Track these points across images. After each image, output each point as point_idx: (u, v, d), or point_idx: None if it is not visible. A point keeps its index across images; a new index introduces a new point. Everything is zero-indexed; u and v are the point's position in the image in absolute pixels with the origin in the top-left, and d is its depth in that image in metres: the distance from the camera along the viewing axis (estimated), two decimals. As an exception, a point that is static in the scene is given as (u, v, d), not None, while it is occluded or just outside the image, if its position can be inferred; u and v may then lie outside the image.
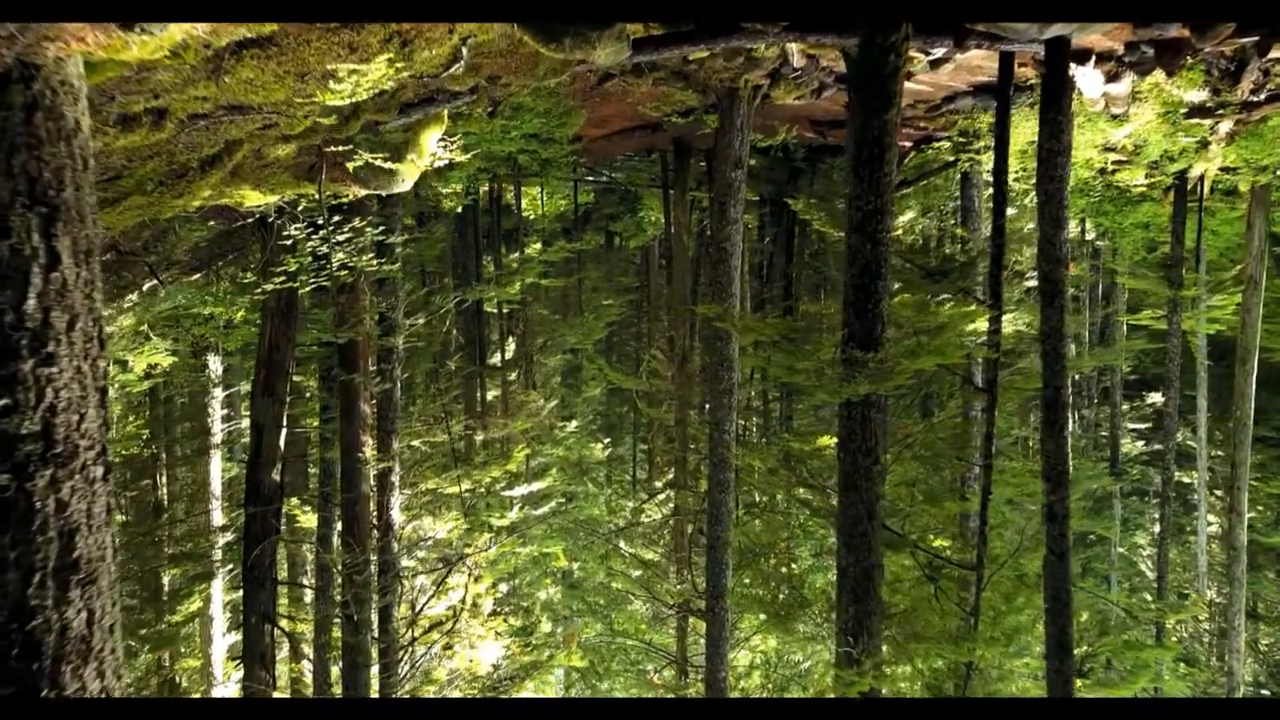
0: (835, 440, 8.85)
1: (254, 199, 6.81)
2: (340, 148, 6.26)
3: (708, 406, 11.40)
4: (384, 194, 7.36)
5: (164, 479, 17.43)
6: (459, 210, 19.99)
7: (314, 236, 6.99)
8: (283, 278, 7.16)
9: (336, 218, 7.20)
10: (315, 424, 12.97)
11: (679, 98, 11.95)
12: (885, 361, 5.12)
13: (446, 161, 7.51)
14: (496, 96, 11.59)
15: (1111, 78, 9.01)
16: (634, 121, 14.41)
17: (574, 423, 20.25)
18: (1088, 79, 9.01)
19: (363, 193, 7.01)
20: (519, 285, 13.52)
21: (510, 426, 17.17)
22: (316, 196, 6.30)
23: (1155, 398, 22.88)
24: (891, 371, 5.21)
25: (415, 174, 7.20)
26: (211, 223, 8.27)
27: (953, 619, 7.23)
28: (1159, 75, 9.27)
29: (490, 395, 19.91)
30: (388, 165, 6.87)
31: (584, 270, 19.59)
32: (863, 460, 5.68)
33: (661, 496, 22.20)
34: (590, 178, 20.00)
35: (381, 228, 8.19)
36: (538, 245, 19.20)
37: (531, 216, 22.06)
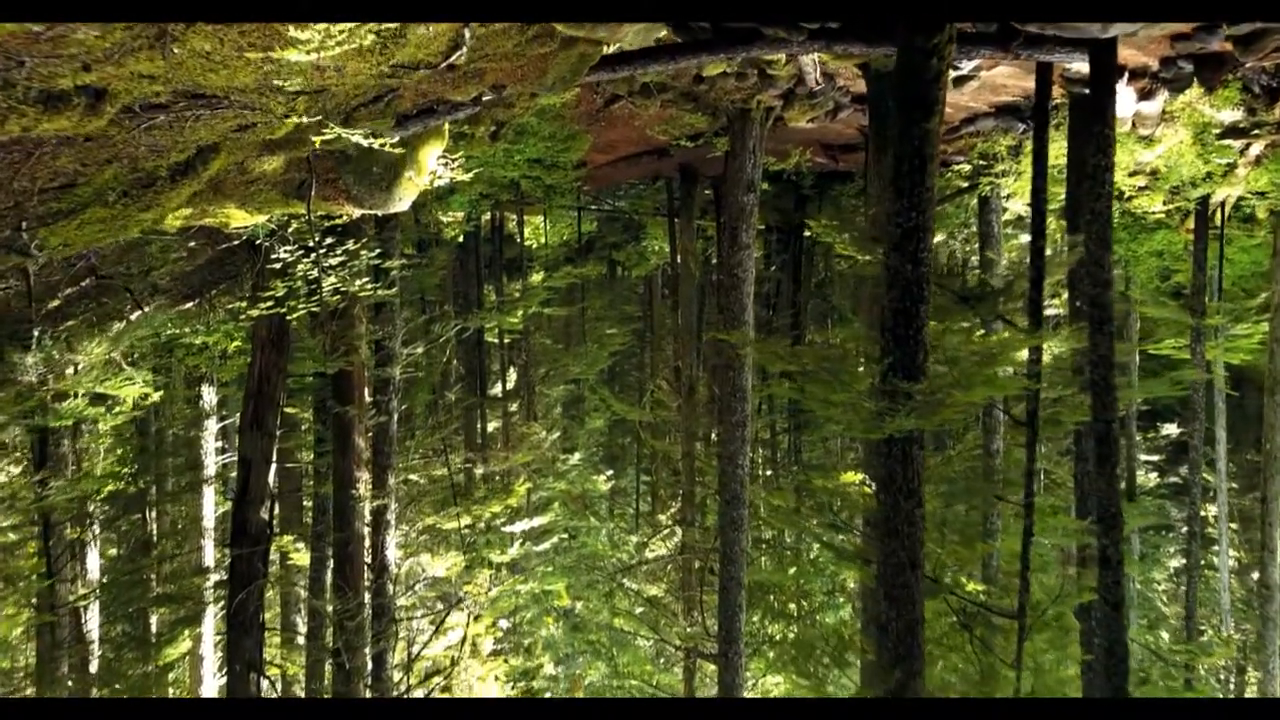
0: (860, 477, 8.31)
1: (240, 219, 6.29)
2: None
3: (717, 439, 10.82)
4: (380, 214, 6.84)
5: (154, 514, 16.80)
6: (460, 240, 19.56)
7: (305, 260, 6.48)
8: (270, 303, 6.64)
9: (330, 240, 6.69)
10: (310, 458, 12.38)
11: (688, 120, 11.51)
12: (936, 393, 4.57)
13: (447, 181, 7.02)
14: (500, 117, 11.16)
15: (1145, 95, 8.56)
16: (640, 146, 13.98)
17: (577, 455, 19.64)
18: (1119, 97, 8.55)
19: (357, 213, 6.50)
20: (521, 313, 13.01)
21: (511, 459, 16.58)
22: (306, 216, 5.79)
23: (1170, 429, 22.31)
24: (941, 404, 4.66)
25: (414, 193, 6.70)
26: (193, 244, 7.77)
27: (996, 672, 6.62)
28: (1192, 93, 8.84)
29: (491, 426, 19.33)
30: (383, 181, 6.38)
31: (587, 299, 19.09)
32: (905, 503, 5.11)
33: (666, 530, 21.54)
34: (594, 206, 19.58)
35: (378, 251, 7.68)
36: (540, 275, 18.75)
37: (534, 245, 21.63)
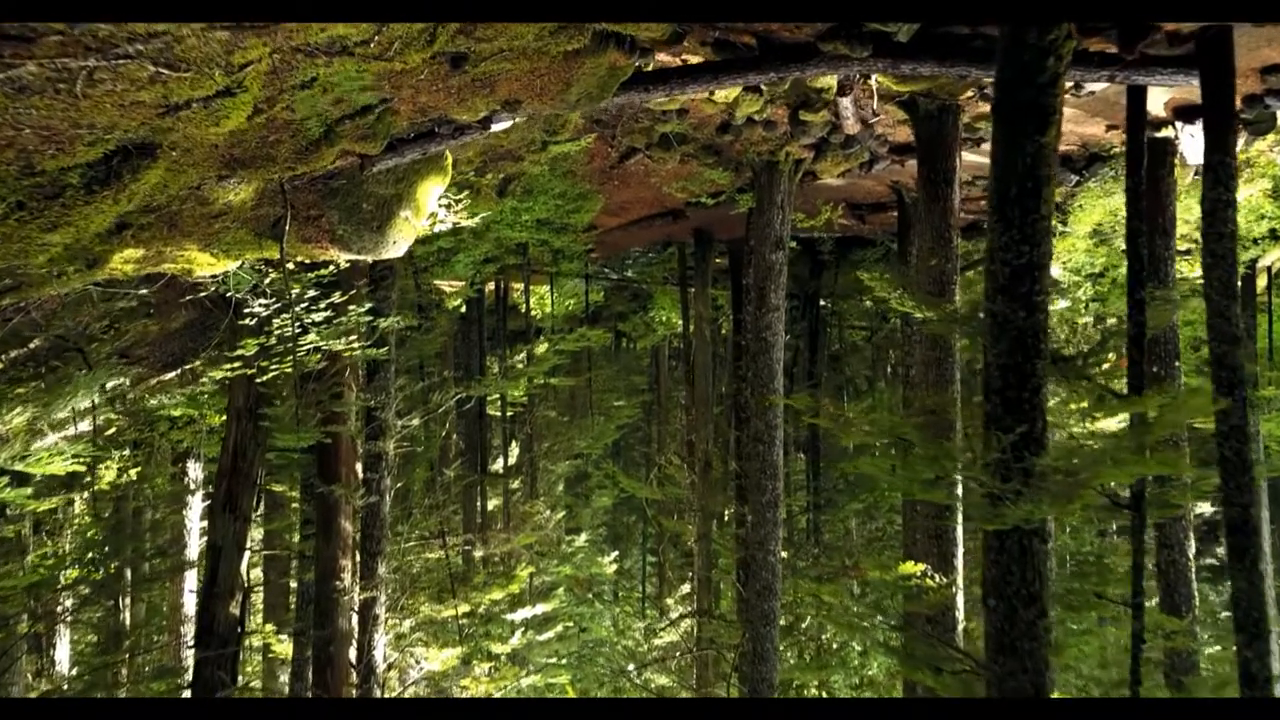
0: (922, 567, 7.16)
1: (205, 264, 5.27)
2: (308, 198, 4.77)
3: (743, 520, 9.64)
4: (371, 259, 5.84)
5: (128, 601, 15.42)
6: (462, 309, 18.64)
7: (284, 314, 5.48)
8: (237, 363, 5.61)
9: (312, 292, 5.70)
10: (296, 540, 11.16)
11: (708, 176, 10.65)
12: (1075, 473, 3.48)
13: (449, 225, 6.05)
14: (509, 170, 10.30)
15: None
16: (654, 208, 13.13)
17: (583, 536, 18.33)
18: (1194, 141, 7.66)
19: (344, 258, 5.50)
20: (526, 382, 11.98)
21: (513, 541, 15.31)
22: (280, 259, 4.78)
23: (1203, 507, 21.01)
24: (1080, 486, 3.56)
25: (410, 236, 5.70)
26: (164, 300, 6.75)
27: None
28: (1272, 138, 7.98)
29: (491, 504, 18.10)
30: (374, 220, 5.39)
31: (594, 369, 18.05)
32: (1024, 611, 3.97)
33: (678, 617, 20.08)
34: (603, 273, 18.72)
35: (369, 307, 6.68)
36: (545, 346, 17.78)
37: (539, 316, 20.71)
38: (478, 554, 15.48)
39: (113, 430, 12.94)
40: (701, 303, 14.24)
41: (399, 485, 10.05)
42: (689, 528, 14.81)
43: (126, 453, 14.86)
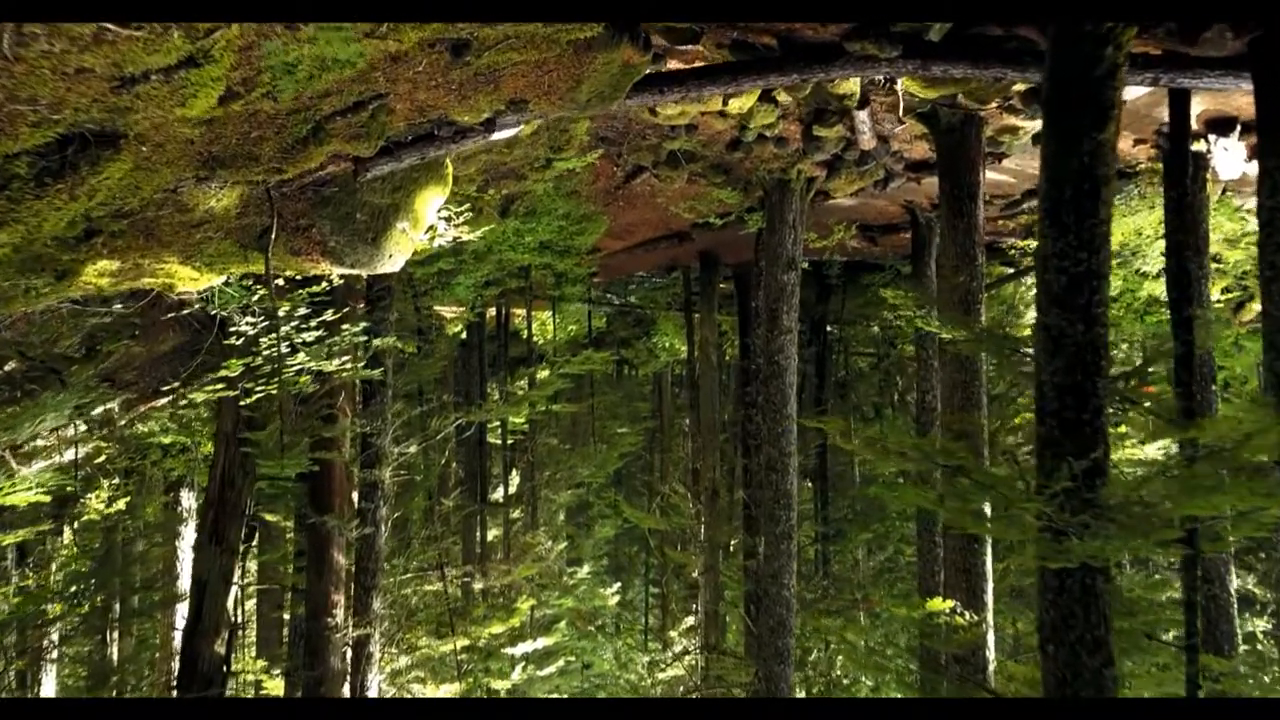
0: (951, 604, 6.70)
1: (187, 278, 4.89)
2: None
3: (761, 553, 9.20)
4: (365, 273, 5.46)
5: (115, 635, 14.89)
6: (463, 335, 18.26)
7: (272, 334, 5.09)
8: (220, 384, 5.21)
9: (303, 310, 5.31)
10: (290, 572, 10.68)
11: (716, 196, 10.31)
12: (1151, 505, 3.08)
13: (450, 240, 5.69)
14: (510, 190, 9.96)
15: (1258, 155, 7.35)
16: (659, 230, 12.80)
17: (585, 568, 17.81)
18: (1228, 155, 7.32)
19: (337, 272, 5.12)
20: (527, 411, 11.58)
21: (514, 573, 14.80)
22: (266, 272, 4.39)
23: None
24: (1151, 520, 3.15)
25: (408, 249, 5.34)
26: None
27: None
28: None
29: (491, 534, 17.60)
30: (369, 232, 5.02)
31: (596, 394, 17.64)
32: (1089, 659, 3.54)
33: (680, 648, 19.50)
34: (605, 298, 18.38)
35: (364, 326, 6.27)
36: (547, 372, 17.39)
37: (541, 342, 20.33)
38: (477, 586, 14.96)
39: (102, 458, 12.52)
40: (707, 327, 13.87)
41: (396, 515, 9.60)
42: (694, 558, 14.31)
43: (116, 481, 14.42)
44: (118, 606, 14.79)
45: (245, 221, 4.61)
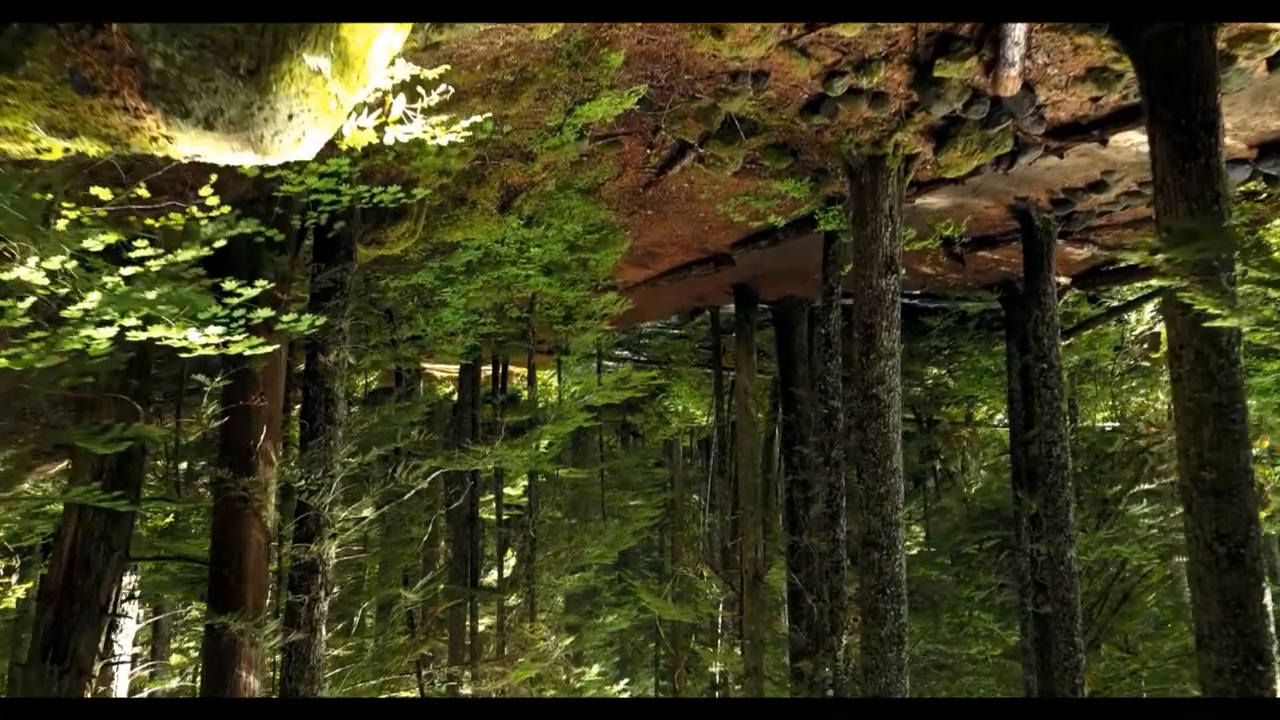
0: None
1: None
2: None
3: (861, 663, 6.44)
4: (234, 155, 2.84)
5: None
6: (454, 398, 15.64)
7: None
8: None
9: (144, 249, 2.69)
10: (196, 686, 7.79)
11: (778, 189, 7.89)
12: None
13: (419, 130, 3.18)
14: (513, 179, 7.50)
15: None
16: (691, 253, 10.33)
17: (595, 668, 14.77)
18: None
19: (181, 146, 2.56)
20: (526, 458, 8.94)
21: (510, 675, 11.87)
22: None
23: None
24: None
25: (326, 118, 2.82)
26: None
27: None
28: None
29: (483, 624, 14.64)
30: (243, 66, 2.47)
31: (606, 457, 14.89)
32: None
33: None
34: (615, 353, 15.84)
35: (299, 315, 3.65)
36: (547, 439, 14.71)
37: (542, 405, 17.63)
38: (465, 690, 12.00)
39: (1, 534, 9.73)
40: (745, 373, 11.31)
41: (348, 613, 6.77)
42: (736, 656, 11.37)
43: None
44: None
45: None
